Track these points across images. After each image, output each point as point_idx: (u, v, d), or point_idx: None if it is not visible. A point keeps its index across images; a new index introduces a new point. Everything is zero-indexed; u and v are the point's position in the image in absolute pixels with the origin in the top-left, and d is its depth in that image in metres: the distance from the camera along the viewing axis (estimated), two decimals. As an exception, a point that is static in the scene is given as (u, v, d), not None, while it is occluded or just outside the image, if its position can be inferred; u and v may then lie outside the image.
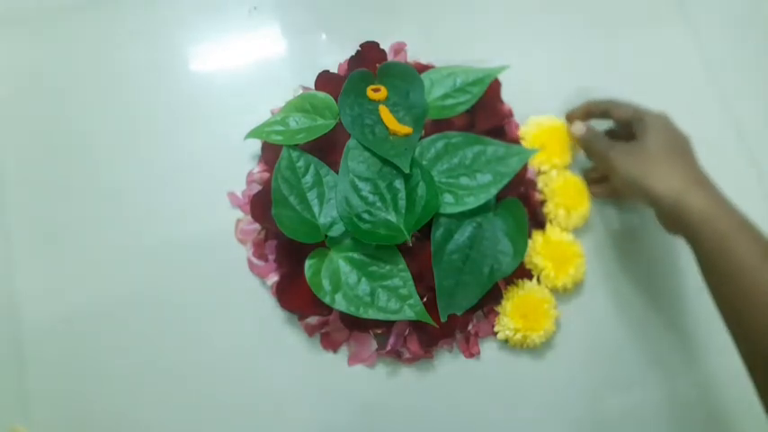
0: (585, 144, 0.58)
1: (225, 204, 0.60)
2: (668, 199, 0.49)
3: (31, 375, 0.56)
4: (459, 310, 0.54)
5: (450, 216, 0.55)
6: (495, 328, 0.57)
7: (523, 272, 0.58)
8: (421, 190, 0.55)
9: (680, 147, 0.53)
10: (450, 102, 0.60)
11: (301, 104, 0.60)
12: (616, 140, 0.55)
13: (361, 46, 0.64)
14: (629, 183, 0.52)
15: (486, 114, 0.61)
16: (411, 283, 0.54)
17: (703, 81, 0.68)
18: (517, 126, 0.63)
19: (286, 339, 0.57)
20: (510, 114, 0.63)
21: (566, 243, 0.58)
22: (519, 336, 0.55)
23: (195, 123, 0.63)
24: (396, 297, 0.54)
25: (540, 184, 0.60)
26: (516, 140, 0.61)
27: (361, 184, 0.56)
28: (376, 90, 0.60)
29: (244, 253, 0.59)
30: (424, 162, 0.57)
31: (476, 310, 0.56)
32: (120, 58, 0.65)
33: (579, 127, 0.59)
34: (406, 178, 0.56)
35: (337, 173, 0.57)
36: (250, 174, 0.61)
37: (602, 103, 0.59)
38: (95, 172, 0.61)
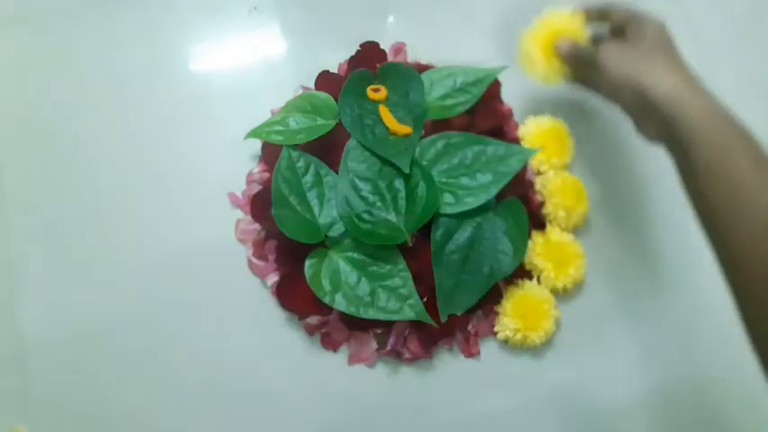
0: (571, 55, 0.54)
1: (225, 204, 0.60)
2: (665, 97, 0.45)
3: (32, 376, 0.56)
4: (459, 310, 0.54)
5: (450, 216, 0.55)
6: (495, 328, 0.57)
7: (523, 272, 0.58)
8: (421, 190, 0.55)
9: (675, 48, 0.49)
10: (449, 102, 0.60)
11: (301, 104, 0.60)
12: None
13: (361, 46, 0.64)
14: (621, 80, 0.48)
15: (486, 114, 0.61)
16: (411, 283, 0.54)
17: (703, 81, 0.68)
18: (517, 126, 0.63)
19: (286, 339, 0.57)
20: (510, 114, 0.63)
21: (566, 243, 0.58)
22: (519, 336, 0.55)
23: (195, 123, 0.63)
24: (396, 297, 0.54)
25: (537, 185, 0.60)
26: (516, 140, 0.61)
27: (361, 184, 0.56)
28: (376, 90, 0.60)
29: (244, 253, 0.59)
30: (424, 162, 0.57)
31: (476, 310, 0.56)
32: (121, 58, 0.65)
33: (564, 44, 0.55)
34: (406, 178, 0.56)
35: (337, 173, 0.57)
36: (250, 174, 0.61)
37: (598, 4, 0.55)
38: (95, 172, 0.61)
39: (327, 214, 0.56)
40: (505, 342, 0.57)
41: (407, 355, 0.56)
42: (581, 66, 0.55)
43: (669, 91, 0.45)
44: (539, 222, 0.59)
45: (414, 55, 0.65)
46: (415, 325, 0.55)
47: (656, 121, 0.47)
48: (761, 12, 0.71)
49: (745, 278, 0.40)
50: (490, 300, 0.56)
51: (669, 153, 0.46)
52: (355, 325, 0.55)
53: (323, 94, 0.60)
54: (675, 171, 0.46)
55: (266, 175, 0.60)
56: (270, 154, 0.60)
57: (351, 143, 0.58)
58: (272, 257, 0.57)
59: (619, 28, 0.53)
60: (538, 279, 0.57)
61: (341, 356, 0.57)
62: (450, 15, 0.67)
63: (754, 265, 0.39)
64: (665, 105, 0.45)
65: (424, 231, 0.55)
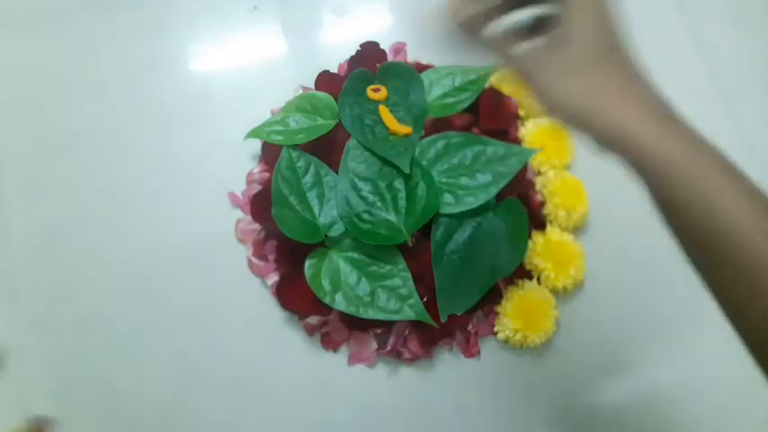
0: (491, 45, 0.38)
1: (225, 204, 0.60)
2: (615, 137, 0.34)
3: (32, 376, 0.56)
4: (459, 310, 0.54)
5: (450, 216, 0.55)
6: (495, 328, 0.57)
7: (523, 272, 0.58)
8: (421, 190, 0.55)
9: (618, 45, 0.36)
10: (449, 101, 0.60)
11: (301, 104, 0.60)
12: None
13: (361, 46, 0.64)
14: (570, 116, 0.35)
15: (490, 115, 0.61)
16: (411, 283, 0.54)
17: (704, 81, 0.68)
18: (517, 126, 0.63)
19: (286, 339, 0.57)
20: (516, 115, 0.63)
21: (566, 244, 0.58)
22: (519, 336, 0.55)
23: (195, 123, 0.63)
24: (396, 297, 0.54)
25: (538, 185, 0.60)
26: (517, 141, 0.61)
27: (361, 184, 0.56)
28: (376, 90, 0.60)
29: (244, 253, 0.59)
30: (424, 162, 0.57)
31: (476, 310, 0.56)
32: (120, 57, 0.65)
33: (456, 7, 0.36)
34: (406, 178, 0.56)
35: (337, 173, 0.57)
36: (250, 174, 0.61)
37: None
38: (95, 171, 0.61)
39: (327, 214, 0.56)
40: (505, 342, 0.57)
41: (407, 355, 0.56)
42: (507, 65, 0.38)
43: (618, 130, 0.34)
44: (539, 222, 0.59)
45: (414, 55, 0.65)
46: (415, 325, 0.55)
47: (628, 161, 0.36)
48: (762, 12, 0.71)
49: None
50: (490, 300, 0.56)
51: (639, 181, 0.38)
52: (355, 325, 0.55)
53: (323, 94, 0.60)
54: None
55: (266, 175, 0.60)
56: (270, 154, 0.60)
57: (351, 143, 0.58)
58: (272, 257, 0.57)
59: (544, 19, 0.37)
60: (538, 279, 0.57)
61: (341, 356, 0.57)
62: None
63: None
64: (625, 147, 0.35)
65: (424, 231, 0.55)
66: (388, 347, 0.55)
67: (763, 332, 0.34)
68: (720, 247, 0.33)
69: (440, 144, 0.58)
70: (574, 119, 0.35)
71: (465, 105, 0.60)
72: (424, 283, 0.54)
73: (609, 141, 0.35)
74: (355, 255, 0.55)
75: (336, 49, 0.65)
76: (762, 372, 0.36)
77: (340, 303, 0.53)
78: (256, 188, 0.59)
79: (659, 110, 0.35)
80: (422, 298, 0.54)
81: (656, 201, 0.36)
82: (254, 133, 0.59)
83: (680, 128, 0.35)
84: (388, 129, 0.58)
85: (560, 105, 0.35)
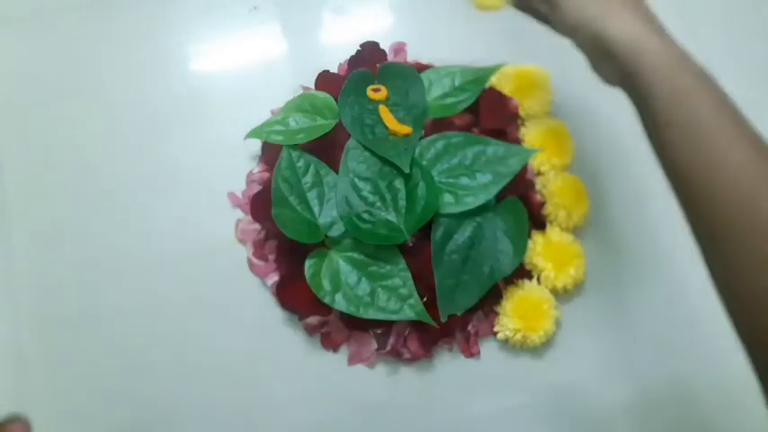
0: None
1: (225, 204, 0.60)
2: (626, 42, 0.41)
3: (30, 376, 0.56)
4: (459, 310, 0.54)
5: (450, 216, 0.55)
6: (495, 328, 0.56)
7: (523, 272, 0.58)
8: (421, 190, 0.55)
9: None
10: (449, 101, 0.60)
11: (301, 104, 0.60)
12: None
13: (361, 46, 0.64)
14: (578, 22, 0.43)
15: (491, 114, 0.61)
16: (411, 282, 0.54)
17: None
18: (517, 126, 0.63)
19: (286, 339, 0.57)
20: (516, 114, 0.63)
21: (566, 244, 0.58)
22: (519, 336, 0.55)
23: (195, 123, 0.63)
24: (396, 297, 0.54)
25: (538, 185, 0.60)
26: (517, 141, 0.61)
27: (361, 184, 0.56)
28: (376, 90, 0.60)
29: (244, 253, 0.59)
30: (424, 162, 0.57)
31: (476, 310, 0.56)
32: (120, 57, 0.65)
33: None
34: (406, 178, 0.56)
35: (337, 173, 0.57)
36: (250, 174, 0.61)
37: None
38: (95, 172, 0.62)
39: (327, 214, 0.56)
40: (505, 342, 0.57)
41: (407, 355, 0.56)
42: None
43: (629, 36, 0.41)
44: (539, 222, 0.59)
45: (414, 55, 0.65)
46: (415, 325, 0.55)
47: (615, 66, 0.42)
48: (761, 12, 0.71)
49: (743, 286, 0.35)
50: (490, 300, 0.56)
51: (630, 100, 0.43)
52: (355, 325, 0.55)
53: (323, 94, 0.60)
54: (638, 121, 0.42)
55: (266, 175, 0.60)
56: (270, 154, 0.60)
57: (351, 143, 0.58)
58: (272, 257, 0.57)
59: None
60: (538, 279, 0.57)
61: (341, 356, 0.57)
62: (450, 15, 0.67)
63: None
64: (623, 50, 0.41)
65: (424, 231, 0.55)
66: (388, 347, 0.55)
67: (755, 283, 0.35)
68: (693, 148, 0.37)
69: (440, 144, 0.58)
70: (585, 22, 0.43)
71: (465, 105, 0.60)
72: (424, 283, 0.54)
73: (615, 48, 0.41)
74: (355, 255, 0.55)
75: (336, 49, 0.65)
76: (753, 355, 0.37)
77: (340, 303, 0.53)
78: (256, 188, 0.59)
79: (661, 32, 0.42)
80: (422, 298, 0.54)
81: (641, 111, 0.41)
82: (254, 133, 0.59)
83: (673, 46, 0.41)
84: (388, 129, 0.58)
85: (589, 18, 0.42)
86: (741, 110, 0.39)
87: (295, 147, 0.57)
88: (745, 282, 0.35)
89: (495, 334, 0.57)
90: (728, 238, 0.36)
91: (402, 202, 0.55)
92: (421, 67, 0.63)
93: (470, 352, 0.57)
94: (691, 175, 0.38)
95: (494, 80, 0.63)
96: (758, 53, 0.69)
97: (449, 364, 0.57)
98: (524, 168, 0.59)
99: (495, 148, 0.58)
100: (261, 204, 0.57)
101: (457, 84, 0.61)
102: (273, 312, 0.58)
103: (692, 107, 0.38)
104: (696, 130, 0.37)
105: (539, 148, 0.60)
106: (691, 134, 0.37)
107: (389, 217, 0.55)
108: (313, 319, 0.56)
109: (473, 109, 0.60)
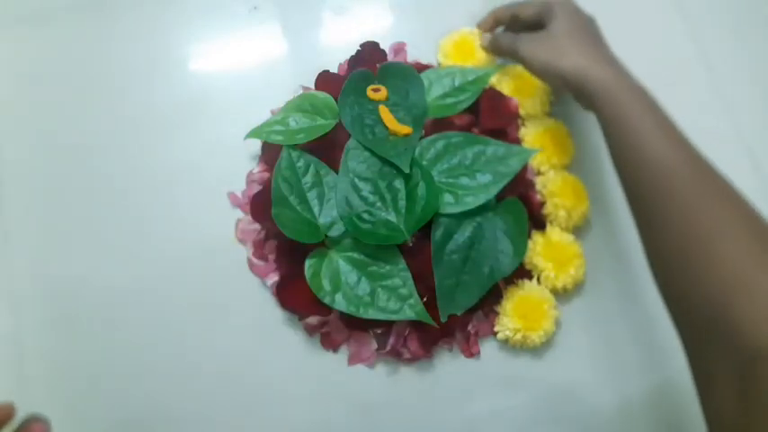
0: (493, 47, 0.61)
1: (225, 204, 0.60)
2: (574, 74, 0.51)
3: (30, 376, 0.56)
4: (459, 310, 0.54)
5: (450, 216, 0.55)
6: (495, 328, 0.57)
7: (523, 272, 0.58)
8: (421, 190, 0.55)
9: (586, 28, 0.55)
10: (449, 101, 0.60)
11: (301, 104, 0.60)
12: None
13: (361, 46, 0.64)
14: (541, 68, 0.54)
15: (491, 114, 0.61)
16: (411, 282, 0.54)
17: (704, 81, 0.68)
18: (517, 126, 0.63)
19: (286, 339, 0.57)
20: (516, 114, 0.63)
21: (566, 244, 0.58)
22: (519, 336, 0.55)
23: (195, 123, 0.63)
24: (396, 297, 0.54)
25: (538, 185, 0.60)
26: (517, 141, 0.61)
27: (361, 184, 0.56)
28: (376, 90, 0.60)
29: (244, 253, 0.59)
30: (424, 162, 0.57)
31: (476, 310, 0.56)
32: (120, 57, 0.65)
33: (485, 37, 0.62)
34: (406, 178, 0.56)
35: (337, 173, 0.57)
36: (250, 174, 0.61)
37: (508, 8, 0.60)
38: (95, 172, 0.61)
39: (327, 214, 0.56)
40: (505, 342, 0.57)
41: (407, 355, 0.56)
42: (505, 54, 0.60)
43: (575, 67, 0.51)
44: (539, 222, 0.59)
45: (414, 55, 0.65)
46: (415, 325, 0.55)
47: (575, 93, 0.53)
48: (761, 12, 0.71)
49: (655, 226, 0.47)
50: (490, 300, 0.56)
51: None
52: (355, 325, 0.55)
53: (323, 94, 0.60)
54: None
55: (266, 175, 0.60)
56: (270, 154, 0.60)
57: (351, 143, 0.58)
58: (272, 257, 0.57)
59: (534, 21, 0.57)
60: (538, 279, 0.57)
61: (341, 356, 0.57)
62: (450, 15, 0.67)
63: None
64: (575, 81, 0.51)
65: (424, 231, 0.55)
66: (388, 347, 0.55)
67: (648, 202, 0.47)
68: (627, 143, 0.47)
69: (440, 144, 0.58)
70: (544, 67, 0.54)
71: (465, 106, 0.60)
72: (424, 283, 0.54)
73: (573, 78, 0.51)
74: (355, 255, 0.55)
75: (336, 49, 0.65)
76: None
77: (340, 303, 0.53)
78: (256, 188, 0.59)
79: (610, 60, 0.52)
80: (422, 298, 0.54)
81: (606, 133, 0.50)
82: (254, 133, 0.59)
83: (613, 70, 0.51)
84: (388, 129, 0.58)
85: (546, 63, 0.54)
86: (670, 113, 0.48)
87: (295, 147, 0.57)
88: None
89: (495, 334, 0.57)
90: (648, 201, 0.46)
91: (402, 202, 0.55)
92: (421, 67, 0.63)
93: (470, 352, 0.57)
94: (622, 165, 0.48)
95: (494, 80, 0.63)
96: (758, 53, 0.69)
97: (449, 364, 0.57)
98: (524, 168, 0.59)
99: (495, 148, 0.58)
100: (261, 204, 0.57)
101: (457, 84, 0.61)
102: (273, 312, 0.58)
103: (623, 111, 0.48)
104: (625, 130, 0.47)
105: (539, 148, 0.60)
106: (621, 134, 0.48)
107: (389, 217, 0.55)
108: (313, 319, 0.56)
109: (473, 109, 0.61)
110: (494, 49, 0.61)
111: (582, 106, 0.54)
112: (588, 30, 0.55)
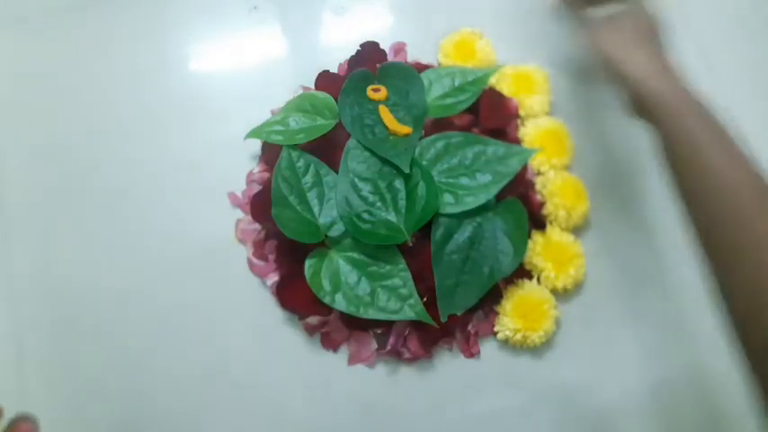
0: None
1: (225, 204, 0.60)
2: (634, 84, 0.50)
3: (30, 376, 0.56)
4: (459, 310, 0.54)
5: (450, 216, 0.55)
6: (495, 328, 0.57)
7: (523, 272, 0.58)
8: (421, 190, 0.55)
9: (657, 38, 0.54)
10: (449, 101, 0.60)
11: (301, 104, 0.60)
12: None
13: (361, 46, 0.64)
14: (605, 59, 0.53)
15: (491, 114, 0.61)
16: (411, 282, 0.54)
17: (704, 81, 0.67)
18: (517, 126, 0.63)
19: (286, 339, 0.57)
20: (516, 114, 0.63)
21: (566, 244, 0.58)
22: (519, 336, 0.55)
23: (195, 123, 0.63)
24: (396, 297, 0.54)
25: (538, 185, 0.60)
26: (517, 141, 0.61)
27: (361, 184, 0.56)
28: (376, 90, 0.60)
29: (244, 253, 0.59)
30: (424, 162, 0.57)
31: (476, 310, 0.56)
32: (120, 57, 0.65)
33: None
34: (406, 178, 0.56)
35: (337, 173, 0.57)
36: (250, 174, 0.61)
37: None
38: (95, 172, 0.62)
39: (327, 214, 0.56)
40: (505, 342, 0.57)
41: (407, 355, 0.56)
42: (574, 17, 0.60)
43: (639, 74, 0.50)
44: (539, 222, 0.59)
45: (414, 55, 0.65)
46: (415, 325, 0.55)
47: (633, 102, 0.52)
48: (761, 12, 0.71)
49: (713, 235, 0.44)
50: (490, 300, 0.56)
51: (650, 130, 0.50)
52: (355, 325, 0.55)
53: (323, 94, 0.60)
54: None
55: (266, 175, 0.60)
56: (270, 154, 0.60)
57: (351, 143, 0.58)
58: (272, 257, 0.57)
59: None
60: (538, 279, 0.57)
61: (341, 356, 0.57)
62: (450, 15, 0.67)
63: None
64: (635, 86, 0.50)
65: (424, 231, 0.55)
66: (388, 347, 0.55)
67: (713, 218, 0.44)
68: (686, 155, 0.46)
69: (440, 144, 0.58)
70: (608, 64, 0.52)
71: (465, 106, 0.60)
72: (424, 283, 0.54)
73: (630, 84, 0.50)
74: (355, 255, 0.55)
75: (336, 49, 0.65)
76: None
77: (340, 303, 0.53)
78: (256, 188, 0.59)
79: (668, 71, 0.50)
80: (422, 298, 0.54)
81: (661, 145, 0.48)
82: (254, 133, 0.59)
83: (675, 83, 0.49)
84: (387, 129, 0.58)
85: (612, 59, 0.52)
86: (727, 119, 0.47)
87: (295, 147, 0.57)
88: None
89: (495, 334, 0.57)
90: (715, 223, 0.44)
91: (402, 202, 0.55)
92: (421, 67, 0.63)
93: (470, 352, 0.57)
94: (683, 181, 0.47)
95: (494, 80, 0.63)
96: (758, 53, 0.69)
97: (449, 364, 0.57)
98: (524, 168, 0.59)
99: (495, 148, 0.58)
100: (261, 204, 0.57)
101: (457, 84, 0.61)
102: (273, 312, 0.58)
103: (681, 125, 0.47)
104: (689, 153, 0.46)
105: (539, 148, 0.60)
106: (681, 151, 0.46)
107: (389, 217, 0.55)
108: (313, 319, 0.56)
109: (473, 109, 0.61)
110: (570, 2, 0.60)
111: (633, 115, 0.53)
112: (657, 39, 0.54)
